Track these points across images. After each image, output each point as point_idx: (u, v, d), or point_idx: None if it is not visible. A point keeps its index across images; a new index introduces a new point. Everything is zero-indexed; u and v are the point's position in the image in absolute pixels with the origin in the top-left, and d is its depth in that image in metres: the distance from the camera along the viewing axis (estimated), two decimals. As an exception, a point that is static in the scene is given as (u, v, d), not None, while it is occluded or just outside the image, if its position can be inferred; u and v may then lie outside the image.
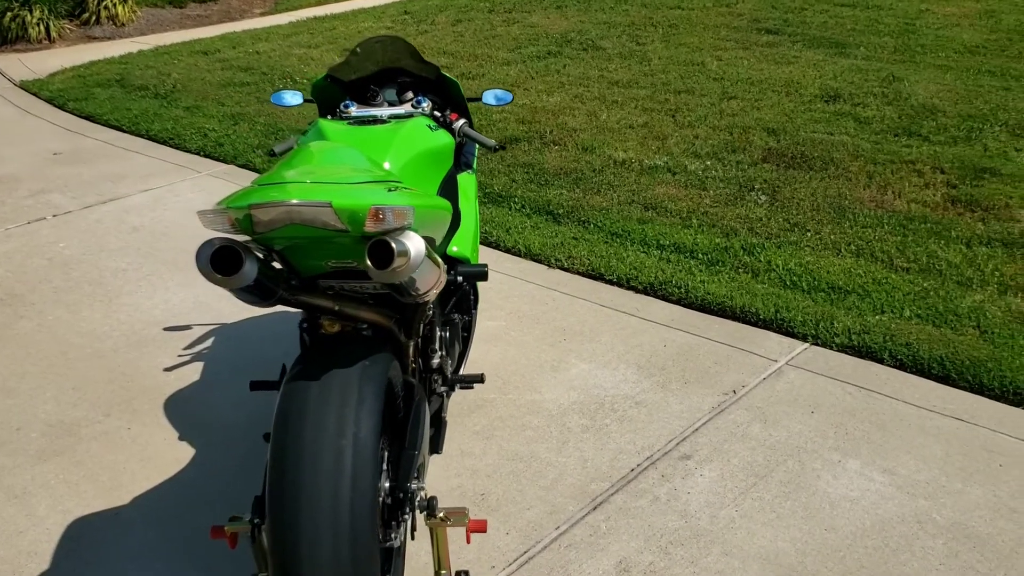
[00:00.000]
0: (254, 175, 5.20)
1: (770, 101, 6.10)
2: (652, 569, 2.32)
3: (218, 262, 1.63)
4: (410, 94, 2.73)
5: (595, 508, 2.53)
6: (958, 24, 8.10)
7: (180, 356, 3.33)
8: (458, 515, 1.99)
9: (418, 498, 1.93)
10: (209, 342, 3.42)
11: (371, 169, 1.91)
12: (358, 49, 2.72)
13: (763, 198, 4.65)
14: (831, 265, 3.90)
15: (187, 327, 3.53)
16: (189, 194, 4.99)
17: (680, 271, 3.86)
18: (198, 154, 5.64)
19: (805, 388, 3.07)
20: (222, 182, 5.11)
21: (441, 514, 1.99)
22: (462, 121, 2.72)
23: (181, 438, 2.89)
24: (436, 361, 2.33)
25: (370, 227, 1.63)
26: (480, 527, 2.02)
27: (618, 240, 4.22)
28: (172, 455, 2.81)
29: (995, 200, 4.56)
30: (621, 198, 4.66)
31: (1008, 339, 3.29)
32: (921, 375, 3.14)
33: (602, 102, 6.23)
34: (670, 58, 7.21)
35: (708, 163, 5.09)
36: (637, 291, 3.77)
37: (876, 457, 2.72)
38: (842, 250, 4.06)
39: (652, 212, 4.48)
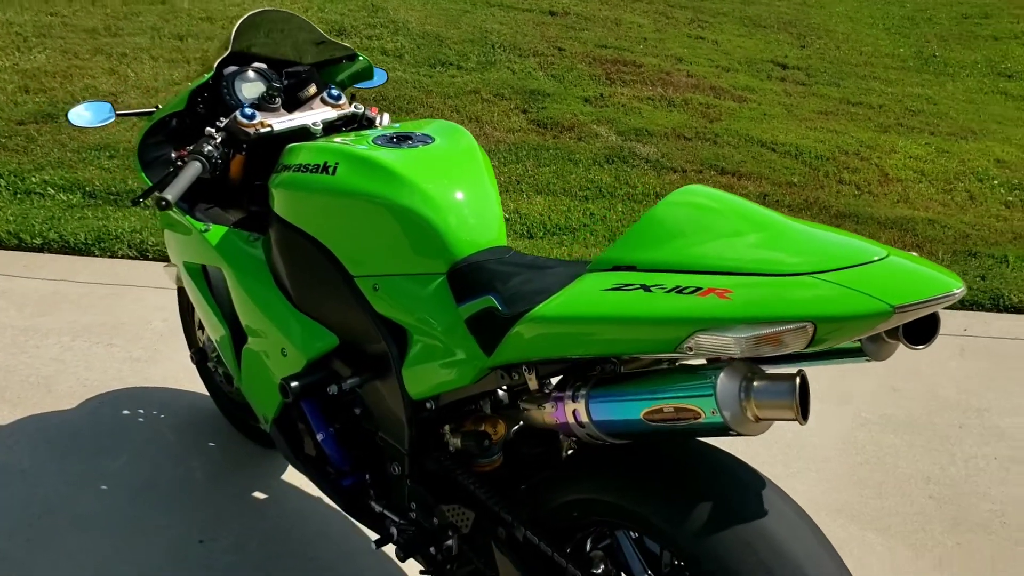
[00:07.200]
0: None
1: (290, 40, 5.61)
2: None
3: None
4: (313, 88, 1.97)
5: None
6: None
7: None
8: None
9: None
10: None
11: None
12: (241, 34, 1.86)
13: (396, 148, 4.36)
14: (541, 206, 3.89)
15: None
16: None
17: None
18: None
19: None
20: None
21: None
22: (387, 116, 2.07)
23: None
24: None
25: None
26: None
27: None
28: None
29: (568, 120, 4.97)
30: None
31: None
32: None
33: (102, 57, 5.05)
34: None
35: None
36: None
37: (775, 381, 2.90)
38: (525, 191, 4.06)
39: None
